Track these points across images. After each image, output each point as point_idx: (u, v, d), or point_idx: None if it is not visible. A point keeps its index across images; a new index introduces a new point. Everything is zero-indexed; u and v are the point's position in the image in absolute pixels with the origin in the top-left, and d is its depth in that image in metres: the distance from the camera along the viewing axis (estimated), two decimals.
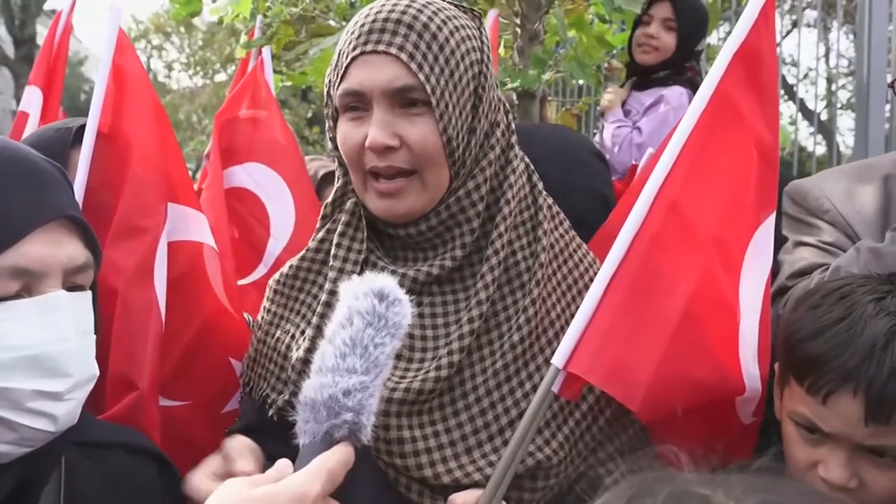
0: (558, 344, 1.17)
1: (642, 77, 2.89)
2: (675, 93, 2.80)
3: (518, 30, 2.92)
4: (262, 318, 1.34)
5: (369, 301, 0.76)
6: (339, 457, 0.71)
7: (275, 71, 2.93)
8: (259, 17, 3.03)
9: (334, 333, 0.76)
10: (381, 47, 1.13)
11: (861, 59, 3.95)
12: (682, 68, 2.83)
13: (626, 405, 1.11)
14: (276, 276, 1.35)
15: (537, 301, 1.20)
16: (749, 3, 1.26)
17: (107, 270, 1.35)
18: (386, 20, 1.14)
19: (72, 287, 0.87)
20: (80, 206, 1.32)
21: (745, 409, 1.27)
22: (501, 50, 3.18)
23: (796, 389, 1.13)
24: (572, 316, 1.22)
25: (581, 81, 3.80)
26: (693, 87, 2.85)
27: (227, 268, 1.75)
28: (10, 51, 19.38)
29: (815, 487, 1.05)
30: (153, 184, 1.46)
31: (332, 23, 2.94)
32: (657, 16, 2.82)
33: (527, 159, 1.29)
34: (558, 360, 1.10)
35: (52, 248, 0.85)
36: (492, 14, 2.12)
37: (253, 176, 2.24)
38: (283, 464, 0.74)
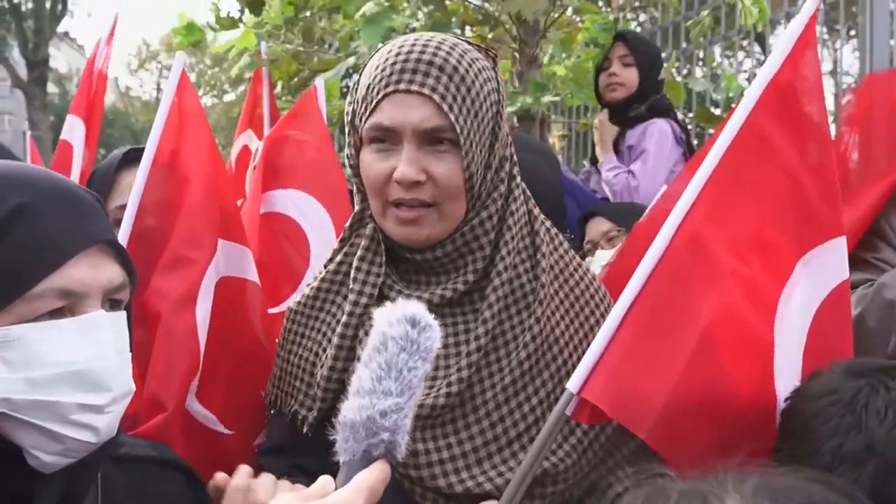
0: (562, 360, 1.26)
1: (620, 117, 3.01)
2: (656, 127, 2.92)
3: (517, 55, 2.96)
4: (285, 338, 1.40)
5: (402, 327, 0.79)
6: (378, 474, 0.76)
7: (278, 98, 2.98)
8: (263, 44, 3.07)
9: (370, 358, 0.80)
10: (415, 87, 1.17)
11: (864, 74, 3.97)
12: (655, 101, 2.97)
13: (634, 432, 1.14)
14: (298, 297, 1.41)
15: (541, 319, 1.25)
16: (786, 32, 1.24)
17: (152, 296, 1.46)
18: (418, 61, 1.19)
19: (110, 306, 0.93)
20: (130, 226, 1.47)
21: None
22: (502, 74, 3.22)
23: None
24: (575, 332, 1.30)
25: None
26: (668, 114, 2.99)
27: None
28: (23, 73, 19.67)
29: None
30: (205, 219, 1.56)
31: (331, 54, 2.99)
32: (614, 56, 2.99)
33: (524, 186, 1.34)
34: (573, 385, 1.14)
35: (93, 270, 0.90)
36: None
37: (298, 206, 2.19)
38: (325, 480, 0.78)
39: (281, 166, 2.21)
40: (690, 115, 3.67)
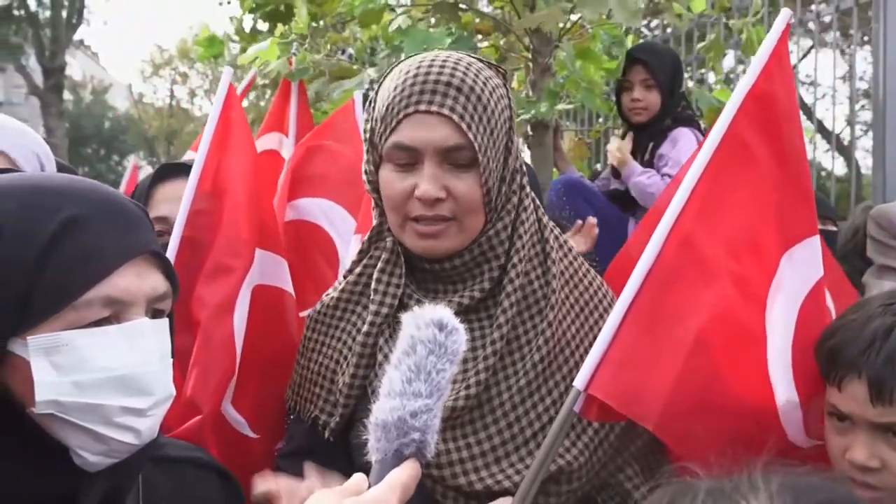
0: (574, 362, 1.31)
1: (647, 133, 3.06)
2: (684, 134, 2.97)
3: (530, 64, 2.99)
4: (305, 346, 1.44)
5: (431, 331, 0.82)
6: (410, 472, 0.79)
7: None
8: (294, 45, 3.07)
9: (399, 360, 0.82)
10: (435, 108, 1.22)
11: (877, 80, 3.97)
12: (676, 114, 3.02)
13: (641, 424, 1.18)
14: (317, 306, 1.44)
15: (553, 324, 1.30)
16: (761, 47, 1.31)
17: (195, 304, 1.52)
18: (437, 82, 1.23)
19: (153, 314, 0.97)
20: (179, 239, 1.54)
21: (793, 428, 1.30)
22: (515, 83, 3.24)
23: (826, 384, 1.26)
24: (586, 335, 1.35)
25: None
26: (693, 124, 3.04)
27: None
28: (39, 80, 19.86)
29: (848, 480, 1.18)
30: (244, 228, 1.61)
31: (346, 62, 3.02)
32: (635, 80, 3.02)
33: (534, 195, 1.38)
34: (579, 382, 1.18)
35: (138, 280, 0.93)
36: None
37: (328, 214, 2.20)
38: (359, 477, 0.81)
39: (312, 175, 2.23)
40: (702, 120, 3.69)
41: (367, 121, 1.32)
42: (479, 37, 3.52)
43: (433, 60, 1.26)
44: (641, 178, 2.91)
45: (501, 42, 3.38)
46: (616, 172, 3.05)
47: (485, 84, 1.25)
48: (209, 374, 1.47)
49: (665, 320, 1.21)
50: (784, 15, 1.34)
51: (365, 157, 1.33)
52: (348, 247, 2.17)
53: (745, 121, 1.28)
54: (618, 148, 3.00)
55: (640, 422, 1.18)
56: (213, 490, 1.20)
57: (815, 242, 1.35)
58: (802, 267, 1.33)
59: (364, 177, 1.34)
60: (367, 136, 1.31)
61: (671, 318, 1.21)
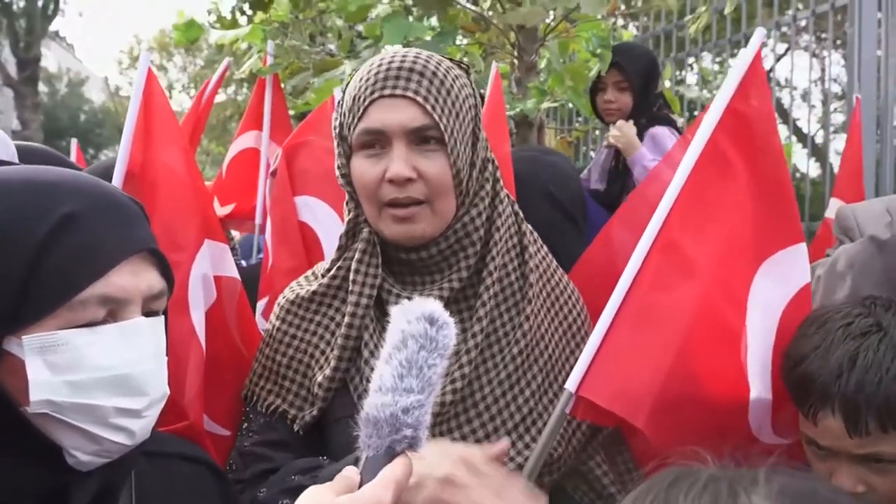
0: (548, 354, 1.35)
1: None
2: (662, 130, 3.02)
3: (515, 61, 3.02)
4: (272, 335, 1.42)
5: (422, 325, 0.81)
6: (402, 468, 0.79)
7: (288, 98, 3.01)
8: (271, 42, 3.08)
9: (390, 355, 0.81)
10: (399, 91, 1.25)
11: (851, 83, 4.04)
12: (652, 114, 3.06)
13: (631, 423, 1.22)
14: (288, 295, 1.43)
15: (531, 317, 1.34)
16: (737, 61, 1.37)
17: None
18: (400, 69, 1.27)
19: (148, 313, 0.95)
20: None
21: (758, 424, 1.33)
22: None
23: (801, 415, 1.25)
24: (558, 328, 1.39)
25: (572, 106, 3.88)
26: (669, 124, 3.07)
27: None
28: (13, 72, 19.55)
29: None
30: (183, 221, 1.55)
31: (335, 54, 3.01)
32: (609, 81, 3.08)
33: (507, 192, 1.41)
34: (571, 384, 1.23)
35: (135, 278, 0.92)
36: (493, 67, 2.20)
37: (314, 212, 2.20)
38: (350, 472, 0.81)
39: (296, 172, 2.22)
40: (682, 121, 3.73)
41: (335, 118, 1.35)
42: (461, 35, 3.54)
43: (396, 54, 1.30)
44: (651, 164, 2.87)
45: (486, 39, 3.40)
46: (614, 169, 3.05)
47: (447, 72, 1.30)
48: (180, 374, 1.41)
49: (652, 322, 1.25)
50: (759, 33, 1.39)
51: (336, 151, 1.35)
52: (334, 243, 2.17)
53: (723, 135, 1.33)
54: (620, 129, 2.97)
55: (629, 420, 1.21)
56: (205, 484, 1.19)
57: (801, 250, 1.38)
58: (785, 274, 1.36)
59: (337, 171, 1.35)
60: (337, 130, 1.33)
61: (658, 320, 1.26)
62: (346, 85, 1.37)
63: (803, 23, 4.42)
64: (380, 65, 1.29)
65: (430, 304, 0.83)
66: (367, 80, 1.28)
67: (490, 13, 2.96)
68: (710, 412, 1.26)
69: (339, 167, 1.35)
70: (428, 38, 2.70)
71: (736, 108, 1.34)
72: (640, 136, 3.00)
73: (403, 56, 1.29)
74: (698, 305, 1.27)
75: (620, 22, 4.79)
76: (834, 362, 1.18)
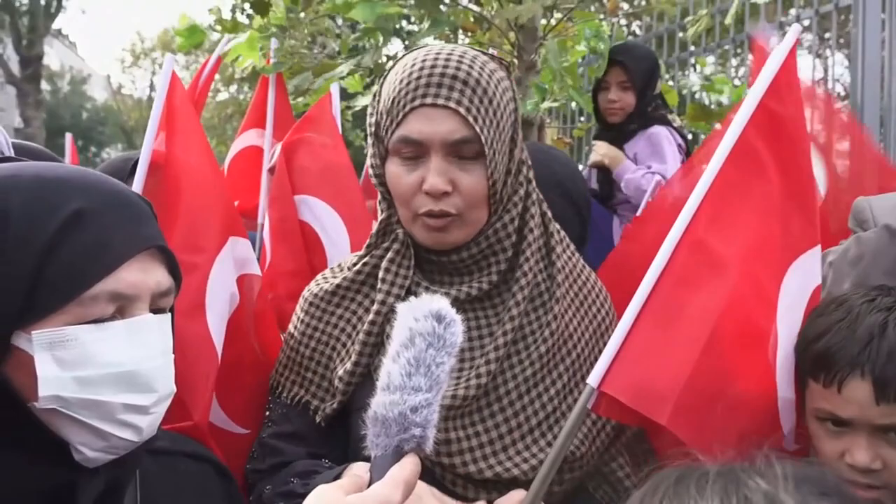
0: (576, 354, 1.35)
1: (618, 132, 3.11)
2: (659, 132, 3.03)
3: (515, 61, 3.00)
4: (296, 327, 1.42)
5: (429, 323, 0.80)
6: (411, 468, 0.78)
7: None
8: (273, 40, 3.07)
9: (398, 353, 0.80)
10: (441, 101, 1.22)
11: (855, 84, 4.02)
12: (649, 116, 3.07)
13: (654, 420, 1.20)
14: (313, 289, 1.43)
15: (558, 316, 1.34)
16: (770, 59, 1.33)
17: None
18: (442, 75, 1.23)
19: (156, 310, 0.95)
20: None
21: (787, 428, 1.33)
22: None
23: (814, 387, 1.25)
24: (586, 329, 1.39)
25: (574, 105, 3.87)
26: (666, 124, 3.08)
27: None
28: (16, 69, 19.58)
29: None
30: (205, 222, 1.55)
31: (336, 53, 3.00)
32: (613, 81, 3.07)
33: (536, 189, 1.39)
34: (593, 380, 1.20)
35: (143, 274, 0.92)
36: None
37: (315, 212, 2.18)
38: (359, 471, 0.80)
39: (296, 171, 2.20)
40: (682, 117, 3.71)
41: (371, 114, 1.32)
42: (462, 34, 3.53)
43: (438, 53, 1.26)
44: (636, 176, 2.93)
45: (486, 39, 3.39)
46: (604, 171, 3.08)
47: (490, 76, 1.26)
48: (188, 379, 1.38)
49: (678, 319, 1.24)
50: (794, 30, 1.36)
51: (370, 150, 1.33)
52: (335, 245, 2.15)
53: (755, 132, 1.31)
54: (607, 148, 3.04)
55: (652, 417, 1.20)
56: (209, 483, 1.19)
57: (818, 252, 1.38)
58: (806, 275, 1.36)
59: (370, 171, 1.34)
60: (373, 129, 1.31)
61: (684, 317, 1.24)
62: (383, 77, 1.32)
63: (806, 22, 4.40)
64: (421, 67, 1.24)
65: (437, 301, 0.82)
66: (409, 83, 1.24)
67: (489, 12, 2.93)
68: (739, 411, 1.24)
69: (372, 167, 1.33)
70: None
71: (768, 104, 1.31)
72: (634, 135, 3.02)
73: (447, 59, 1.25)
74: (727, 303, 1.26)
75: (623, 21, 4.77)
76: (863, 331, 1.19)
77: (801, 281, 1.35)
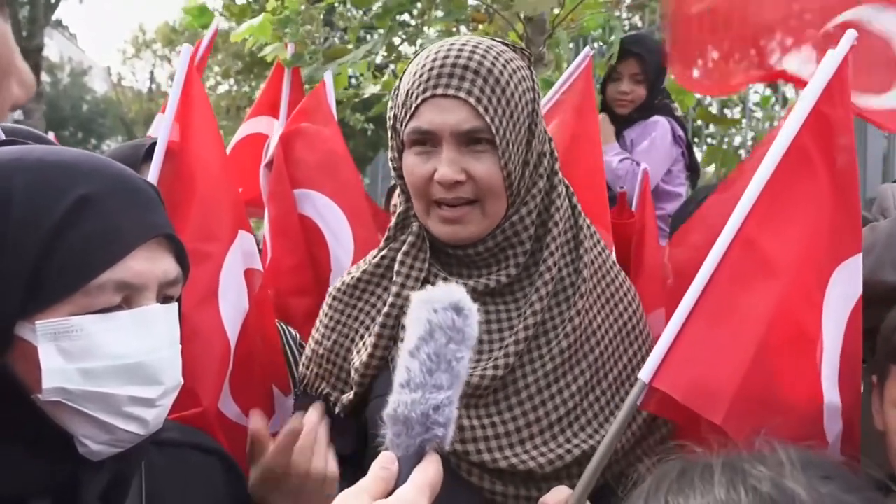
0: (599, 351, 1.33)
1: (623, 121, 3.13)
2: (658, 123, 3.06)
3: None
4: (321, 321, 1.45)
5: (449, 315, 0.76)
6: (435, 470, 0.75)
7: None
8: (291, 45, 3.04)
9: (417, 347, 0.76)
10: (451, 91, 1.23)
11: None
12: (653, 105, 3.10)
13: (709, 419, 1.19)
14: (337, 284, 1.45)
15: (581, 312, 1.32)
16: (823, 64, 1.35)
17: None
18: (454, 66, 1.24)
19: (163, 300, 0.92)
20: None
21: (834, 445, 1.33)
22: None
23: None
24: (611, 326, 1.37)
25: None
26: (668, 112, 3.10)
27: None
28: None
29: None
30: (217, 211, 1.55)
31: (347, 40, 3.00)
32: (626, 72, 3.07)
33: (566, 181, 1.40)
34: (645, 375, 1.21)
35: (151, 263, 0.89)
36: (586, 51, 2.21)
37: (316, 206, 2.16)
38: (388, 472, 0.75)
39: (294, 164, 2.18)
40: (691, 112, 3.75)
41: (390, 108, 1.34)
42: (474, 25, 3.53)
43: (452, 45, 1.28)
44: (612, 160, 2.95)
45: (492, 31, 3.39)
46: None
47: (504, 66, 1.26)
48: (199, 367, 1.39)
49: (731, 317, 1.24)
50: (849, 35, 1.37)
51: (390, 143, 1.35)
52: (338, 239, 2.14)
53: (809, 136, 1.33)
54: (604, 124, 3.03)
55: (707, 416, 1.19)
56: (215, 474, 1.18)
57: (859, 260, 1.39)
58: (850, 282, 1.37)
59: (390, 164, 1.36)
60: (391, 122, 1.33)
61: (738, 316, 1.25)
62: (403, 72, 1.34)
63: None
64: (434, 59, 1.26)
65: (455, 292, 0.78)
66: (421, 75, 1.26)
67: (496, 5, 2.94)
68: (787, 416, 1.24)
69: (391, 160, 1.36)
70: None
71: (821, 109, 1.33)
72: (633, 124, 3.04)
73: (459, 50, 1.26)
74: (777, 305, 1.26)
75: (626, 14, 4.78)
76: None
77: (844, 290, 1.36)
